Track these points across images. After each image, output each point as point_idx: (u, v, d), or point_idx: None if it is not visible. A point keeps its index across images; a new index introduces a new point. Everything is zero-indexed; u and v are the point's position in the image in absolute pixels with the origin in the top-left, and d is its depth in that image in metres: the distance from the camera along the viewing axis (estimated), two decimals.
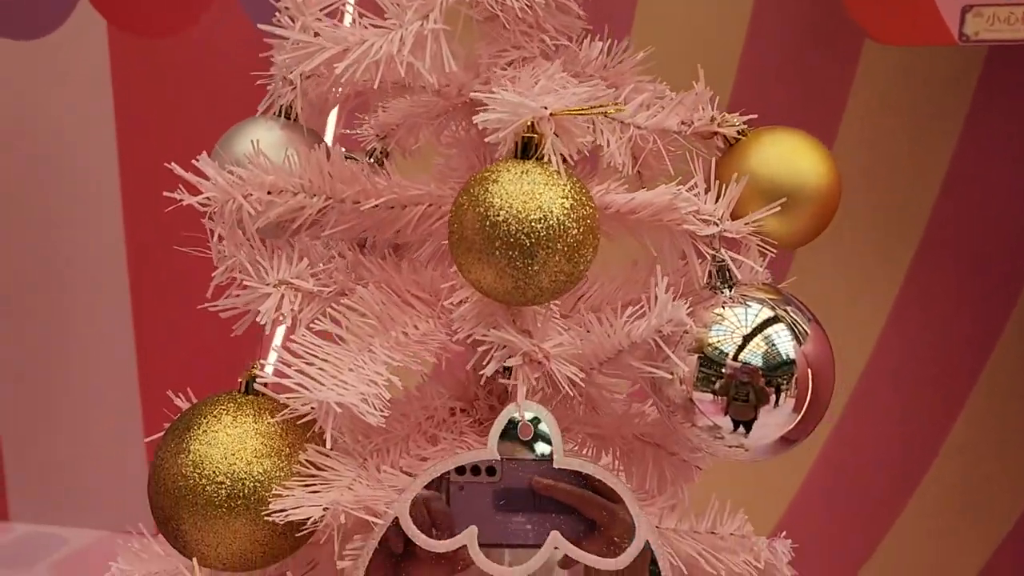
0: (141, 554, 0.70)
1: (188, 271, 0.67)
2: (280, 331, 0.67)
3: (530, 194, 0.55)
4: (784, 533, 0.75)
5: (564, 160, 0.59)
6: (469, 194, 0.56)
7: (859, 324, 1.56)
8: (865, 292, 1.56)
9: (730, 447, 0.64)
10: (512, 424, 0.60)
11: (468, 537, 0.58)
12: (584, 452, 0.75)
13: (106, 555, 0.70)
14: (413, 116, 0.70)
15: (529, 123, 0.57)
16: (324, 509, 0.56)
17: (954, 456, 1.60)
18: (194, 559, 0.59)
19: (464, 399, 0.73)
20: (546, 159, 0.57)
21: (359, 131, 0.76)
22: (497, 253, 0.55)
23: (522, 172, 0.56)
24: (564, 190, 0.56)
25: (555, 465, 0.59)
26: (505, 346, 0.59)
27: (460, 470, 0.61)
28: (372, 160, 0.77)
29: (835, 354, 0.65)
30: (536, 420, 0.61)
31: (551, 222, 0.55)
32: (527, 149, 0.58)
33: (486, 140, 0.60)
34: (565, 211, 0.56)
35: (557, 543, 0.59)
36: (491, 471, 0.61)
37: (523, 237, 0.55)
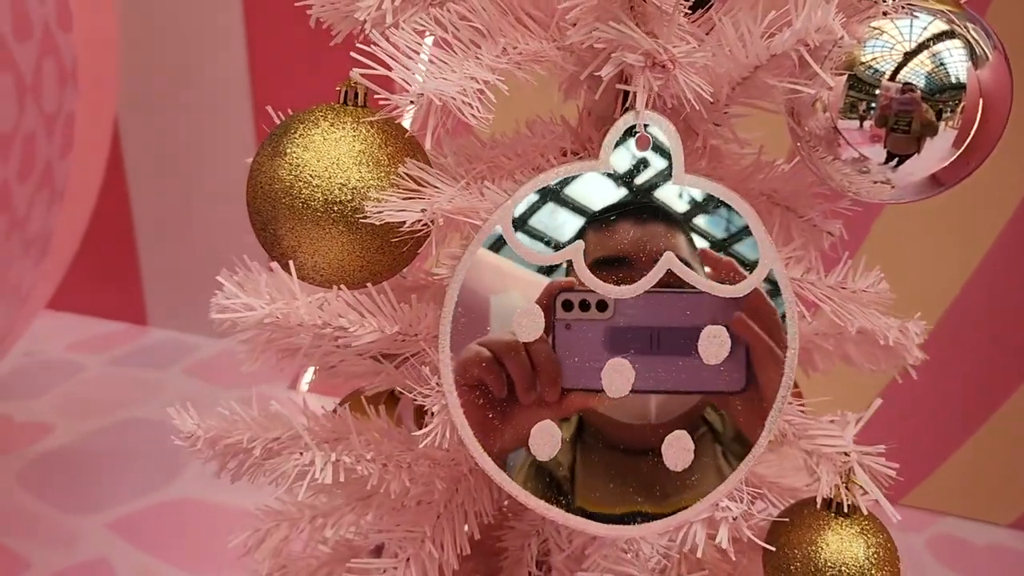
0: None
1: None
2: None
3: None
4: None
5: None
6: None
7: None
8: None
9: (875, 183, 0.56)
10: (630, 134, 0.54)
11: (574, 251, 0.54)
12: None
13: (235, 363, 0.70)
14: None
15: None
16: (421, 211, 0.53)
17: None
18: (291, 263, 0.58)
19: (577, 140, 0.68)
20: None
21: None
22: None
23: None
24: None
25: (673, 183, 0.54)
26: (622, 47, 0.53)
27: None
28: None
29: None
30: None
31: None
32: None
33: None
34: None
35: (670, 264, 0.54)
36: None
37: None
